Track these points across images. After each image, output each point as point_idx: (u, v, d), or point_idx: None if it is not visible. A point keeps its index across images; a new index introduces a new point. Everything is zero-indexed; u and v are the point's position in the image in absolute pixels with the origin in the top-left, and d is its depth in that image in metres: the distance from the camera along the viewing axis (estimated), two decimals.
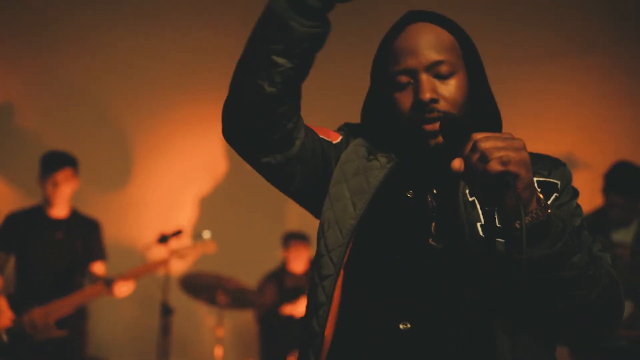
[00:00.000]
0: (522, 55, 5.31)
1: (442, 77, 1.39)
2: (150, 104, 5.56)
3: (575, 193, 1.45)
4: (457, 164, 1.20)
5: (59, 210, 4.34)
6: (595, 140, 5.13)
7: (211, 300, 4.71)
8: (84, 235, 4.37)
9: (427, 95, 1.36)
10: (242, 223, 5.66)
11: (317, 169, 1.48)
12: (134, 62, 5.52)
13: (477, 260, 1.32)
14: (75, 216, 4.40)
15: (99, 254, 4.43)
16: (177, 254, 4.43)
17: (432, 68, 1.39)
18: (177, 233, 4.61)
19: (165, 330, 4.45)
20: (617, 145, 4.97)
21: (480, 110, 1.46)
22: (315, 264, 1.45)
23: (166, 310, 4.47)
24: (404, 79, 1.40)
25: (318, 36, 1.33)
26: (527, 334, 1.32)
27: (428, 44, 1.40)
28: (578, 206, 1.44)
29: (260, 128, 1.38)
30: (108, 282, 4.11)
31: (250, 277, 5.05)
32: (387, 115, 1.46)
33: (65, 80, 5.40)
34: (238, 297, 4.75)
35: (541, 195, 1.23)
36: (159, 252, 4.56)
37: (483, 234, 1.33)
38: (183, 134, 5.65)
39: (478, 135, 1.20)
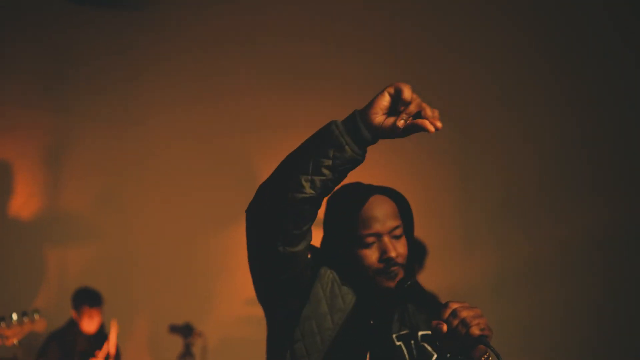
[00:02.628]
0: None
1: (397, 237, 1.84)
2: None
3: None
4: (445, 328, 1.58)
5: None
6: None
7: None
8: None
9: (393, 254, 1.81)
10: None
11: (304, 269, 1.80)
12: None
13: None
14: None
15: None
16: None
17: (391, 231, 1.83)
18: None
19: None
20: None
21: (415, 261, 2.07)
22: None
23: None
24: (370, 239, 1.82)
25: (357, 162, 1.59)
26: None
27: (387, 213, 1.84)
28: None
29: (288, 223, 1.65)
30: None
31: None
32: (349, 265, 1.85)
33: None
34: None
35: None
36: None
37: None
38: None
39: (454, 305, 1.60)
